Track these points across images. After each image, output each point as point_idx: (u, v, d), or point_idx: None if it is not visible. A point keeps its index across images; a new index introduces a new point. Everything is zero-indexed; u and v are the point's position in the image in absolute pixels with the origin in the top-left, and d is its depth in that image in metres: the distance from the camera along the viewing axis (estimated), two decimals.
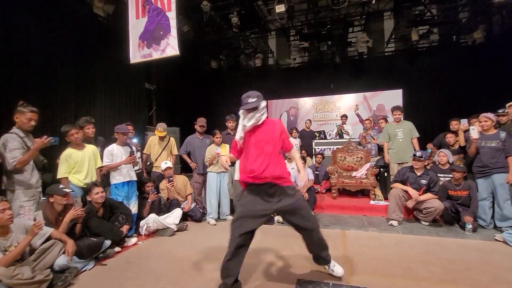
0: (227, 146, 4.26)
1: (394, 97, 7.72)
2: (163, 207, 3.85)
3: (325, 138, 6.33)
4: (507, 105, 3.69)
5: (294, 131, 5.77)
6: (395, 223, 3.70)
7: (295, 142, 5.65)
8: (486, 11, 7.41)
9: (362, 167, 4.73)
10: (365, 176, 4.66)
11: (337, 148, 5.24)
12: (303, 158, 4.82)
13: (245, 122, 2.06)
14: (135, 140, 4.58)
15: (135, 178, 3.53)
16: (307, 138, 6.10)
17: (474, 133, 3.47)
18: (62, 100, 5.18)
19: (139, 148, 4.50)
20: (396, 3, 7.73)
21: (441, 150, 4.13)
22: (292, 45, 8.63)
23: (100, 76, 6.16)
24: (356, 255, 2.81)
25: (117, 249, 2.94)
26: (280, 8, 5.94)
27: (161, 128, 4.41)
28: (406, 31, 8.02)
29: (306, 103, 8.82)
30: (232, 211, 4.33)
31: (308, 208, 2.23)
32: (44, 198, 2.76)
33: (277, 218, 3.94)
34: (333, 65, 8.57)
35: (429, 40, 8.25)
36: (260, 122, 2.06)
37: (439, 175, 3.92)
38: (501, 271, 2.40)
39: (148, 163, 4.43)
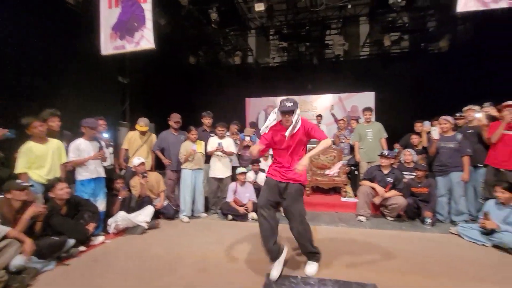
0: (203, 143, 4.22)
1: (367, 99, 8.06)
2: (134, 206, 3.73)
3: None
4: (464, 109, 4.00)
5: None
6: (363, 218, 3.88)
7: None
8: (451, 22, 7.96)
9: (335, 165, 4.90)
10: (337, 174, 4.83)
11: (312, 146, 5.37)
12: None
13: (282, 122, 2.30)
14: (107, 135, 4.39)
15: (103, 175, 3.38)
16: None
17: (435, 134, 3.74)
18: (26, 91, 4.82)
19: (111, 143, 4.32)
20: (371, 9, 8.07)
21: (407, 149, 4.39)
22: (272, 45, 8.71)
23: (69, 67, 5.79)
24: (325, 249, 2.89)
25: (82, 248, 2.81)
26: (259, 7, 5.96)
27: (143, 123, 4.30)
28: (379, 37, 8.38)
29: None
30: (206, 209, 4.30)
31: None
32: (1, 195, 2.57)
33: (251, 215, 3.98)
34: (311, 66, 8.76)
35: (400, 46, 8.70)
36: (295, 130, 2.27)
37: (404, 173, 4.17)
38: (454, 261, 2.62)
39: (125, 158, 4.28)
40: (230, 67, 9.49)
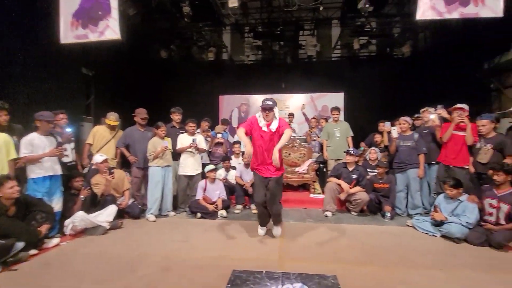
0: (170, 140, 4.10)
1: (337, 99, 8.37)
2: (96, 205, 3.53)
3: None
4: (421, 110, 4.31)
5: None
6: (329, 214, 4.04)
7: None
8: (413, 29, 8.53)
9: (305, 163, 5.04)
10: (306, 172, 4.97)
11: None
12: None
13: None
14: (69, 130, 4.09)
15: (59, 172, 3.16)
16: None
17: (394, 133, 3.99)
18: None
19: (72, 138, 4.03)
20: (342, 13, 8.37)
21: (372, 148, 4.64)
22: (246, 42, 8.68)
23: (24, 56, 5.30)
24: (291, 244, 2.99)
25: (33, 251, 2.59)
26: (233, 3, 5.89)
27: (113, 117, 4.10)
28: (349, 40, 8.75)
29: (258, 100, 8.98)
30: (175, 207, 4.20)
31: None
32: None
33: (220, 212, 3.95)
34: (285, 65, 8.89)
35: (368, 50, 9.15)
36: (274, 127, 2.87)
37: (369, 170, 4.40)
38: (408, 252, 2.82)
39: (89, 154, 4.02)
40: (203, 63, 9.31)
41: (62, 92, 6.39)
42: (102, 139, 4.04)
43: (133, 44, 8.18)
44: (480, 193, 3.21)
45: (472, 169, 3.54)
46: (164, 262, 2.49)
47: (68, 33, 4.63)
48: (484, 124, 3.39)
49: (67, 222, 3.09)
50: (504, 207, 2.93)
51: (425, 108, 4.26)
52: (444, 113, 3.86)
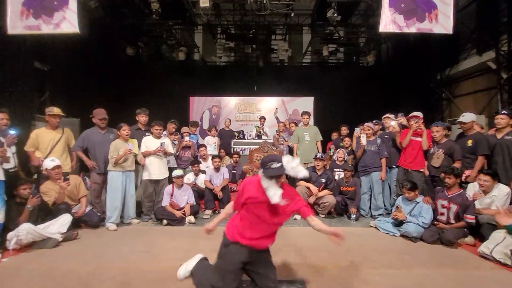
0: (136, 141, 3.86)
1: (307, 103, 8.60)
2: (48, 214, 3.18)
3: (244, 138, 6.51)
4: (383, 117, 4.57)
5: (214, 129, 5.72)
6: (298, 217, 4.09)
7: (214, 140, 5.61)
8: (377, 40, 9.10)
9: None
10: None
11: (254, 148, 5.46)
12: (220, 158, 4.81)
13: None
14: (13, 132, 3.64)
15: (2, 178, 2.80)
16: (226, 137, 6.15)
17: (364, 140, 4.17)
18: None
19: (15, 140, 3.60)
20: (312, 20, 8.66)
21: (340, 149, 4.81)
22: (218, 43, 8.57)
23: None
24: None
25: None
26: (204, 3, 5.76)
27: (56, 108, 3.62)
28: (319, 47, 9.07)
29: (229, 102, 8.92)
30: (139, 214, 3.96)
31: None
32: None
33: (188, 219, 3.81)
34: (257, 68, 8.93)
35: (336, 57, 9.58)
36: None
37: (336, 169, 4.55)
38: (370, 252, 2.95)
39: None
40: (173, 62, 9.01)
41: (10, 87, 5.74)
42: (49, 143, 3.55)
43: (96, 39, 7.65)
44: (434, 195, 3.47)
45: (426, 172, 3.82)
46: (122, 276, 2.32)
47: (17, 22, 4.18)
48: (438, 130, 3.68)
49: (10, 235, 2.74)
50: (454, 207, 3.19)
51: (387, 115, 4.52)
52: (404, 121, 4.14)
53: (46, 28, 4.18)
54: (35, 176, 3.66)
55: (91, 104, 5.00)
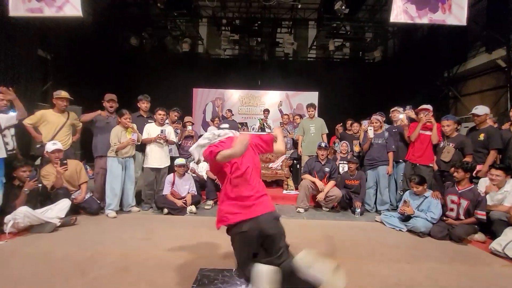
0: (135, 126, 3.76)
1: (311, 98, 8.42)
2: (47, 199, 3.12)
3: (248, 130, 6.41)
4: (391, 110, 4.45)
5: (217, 119, 5.62)
6: (301, 210, 4.01)
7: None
8: (384, 36, 8.95)
9: (278, 159, 4.96)
10: (280, 168, 4.90)
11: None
12: None
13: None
14: (13, 114, 3.56)
15: (4, 155, 2.73)
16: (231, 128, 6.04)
17: (371, 133, 4.05)
18: None
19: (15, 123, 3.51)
20: (319, 14, 8.51)
21: (344, 141, 4.71)
22: (223, 35, 8.46)
23: None
24: None
25: None
26: None
27: (64, 92, 3.58)
28: (325, 41, 8.93)
29: (233, 95, 8.81)
30: (139, 202, 3.88)
31: None
32: None
33: (190, 208, 3.73)
34: (261, 61, 8.81)
35: (342, 52, 9.41)
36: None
37: (340, 162, 4.46)
38: (376, 246, 2.85)
39: (38, 145, 3.51)
40: (178, 54, 8.90)
41: (13, 74, 5.67)
42: (52, 126, 3.50)
43: (100, 27, 7.56)
44: (443, 190, 3.36)
45: (435, 167, 3.71)
46: (121, 262, 2.23)
47: (19, 4, 4.08)
48: (449, 124, 3.56)
49: (7, 218, 2.67)
50: (464, 203, 3.08)
51: (395, 108, 4.40)
52: (412, 114, 4.01)
53: (48, 10, 4.08)
54: (39, 160, 3.59)
55: (93, 93, 4.95)
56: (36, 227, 2.80)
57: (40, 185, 3.11)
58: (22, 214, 2.66)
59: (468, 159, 3.39)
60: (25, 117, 3.29)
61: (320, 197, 3.98)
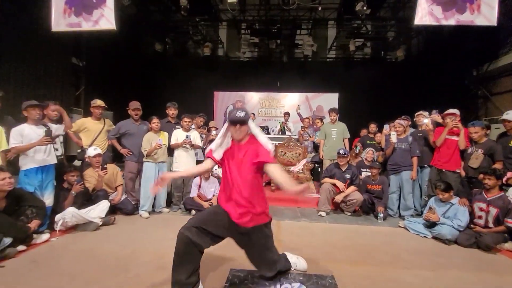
0: (166, 134, 4.03)
1: (331, 99, 8.44)
2: (89, 200, 3.42)
3: (268, 133, 6.53)
4: (416, 114, 4.38)
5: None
6: (323, 213, 4.07)
7: None
8: (407, 34, 8.69)
9: (300, 162, 5.05)
10: (301, 171, 4.99)
11: (278, 143, 5.47)
12: None
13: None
14: (61, 125, 3.93)
15: (53, 162, 3.04)
16: None
17: (394, 137, 4.03)
18: None
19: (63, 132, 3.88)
20: (339, 14, 8.43)
21: (370, 148, 4.68)
22: (243, 39, 8.61)
23: (12, 44, 5.08)
24: (287, 243, 2.99)
25: (21, 247, 2.49)
26: None
27: (99, 101, 3.93)
28: (345, 41, 8.83)
29: (253, 97, 8.96)
30: (168, 204, 4.13)
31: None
32: None
33: None
34: (281, 63, 8.88)
35: (363, 52, 9.26)
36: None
37: (363, 170, 4.45)
38: (400, 252, 2.87)
39: (79, 150, 3.87)
40: (199, 58, 9.19)
41: (51, 82, 6.18)
42: (91, 133, 3.84)
43: (127, 35, 7.98)
44: (470, 197, 3.30)
45: (463, 173, 3.64)
46: (159, 261, 2.44)
47: (60, 20, 4.45)
48: (476, 131, 3.48)
49: (58, 217, 2.98)
50: (493, 211, 3.02)
51: (420, 112, 4.33)
52: (438, 118, 3.94)
53: (86, 25, 4.43)
54: (80, 163, 3.94)
55: (123, 98, 5.29)
56: (81, 226, 3.10)
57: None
58: (70, 214, 2.97)
59: (498, 165, 3.31)
60: (71, 128, 3.63)
61: (338, 198, 4.02)
